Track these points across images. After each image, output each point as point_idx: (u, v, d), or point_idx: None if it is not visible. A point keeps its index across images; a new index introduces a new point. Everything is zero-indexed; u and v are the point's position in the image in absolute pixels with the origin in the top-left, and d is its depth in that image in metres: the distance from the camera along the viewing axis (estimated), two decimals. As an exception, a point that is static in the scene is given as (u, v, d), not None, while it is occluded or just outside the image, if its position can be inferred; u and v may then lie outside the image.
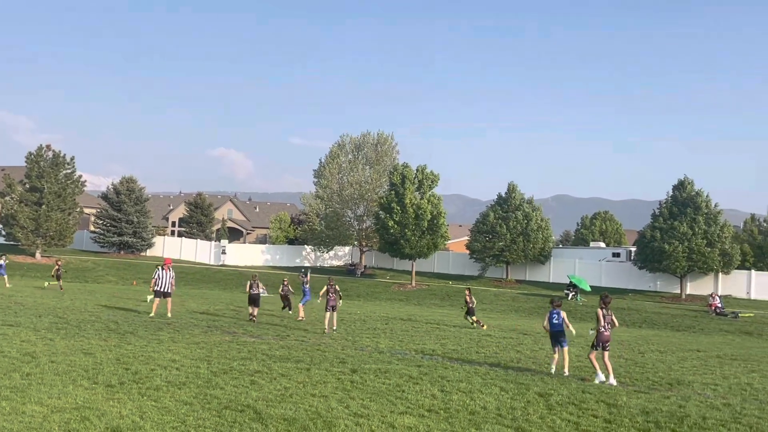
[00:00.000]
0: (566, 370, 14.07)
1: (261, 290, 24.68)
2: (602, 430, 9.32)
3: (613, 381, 13.29)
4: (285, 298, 27.72)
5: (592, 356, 13.73)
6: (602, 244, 68.98)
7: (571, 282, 46.76)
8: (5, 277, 34.93)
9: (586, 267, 54.86)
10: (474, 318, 26.31)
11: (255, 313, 23.45)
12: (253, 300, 23.81)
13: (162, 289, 22.72)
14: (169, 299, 22.96)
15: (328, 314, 20.85)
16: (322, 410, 9.52)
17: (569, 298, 45.06)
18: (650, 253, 48.78)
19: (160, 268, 23.23)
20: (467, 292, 27.19)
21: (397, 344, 18.10)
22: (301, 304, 25.37)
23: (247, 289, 24.46)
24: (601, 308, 13.92)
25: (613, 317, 13.96)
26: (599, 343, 13.71)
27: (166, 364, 12.50)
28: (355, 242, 66.27)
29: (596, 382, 13.33)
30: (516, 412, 10.10)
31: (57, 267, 34.96)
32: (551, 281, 55.32)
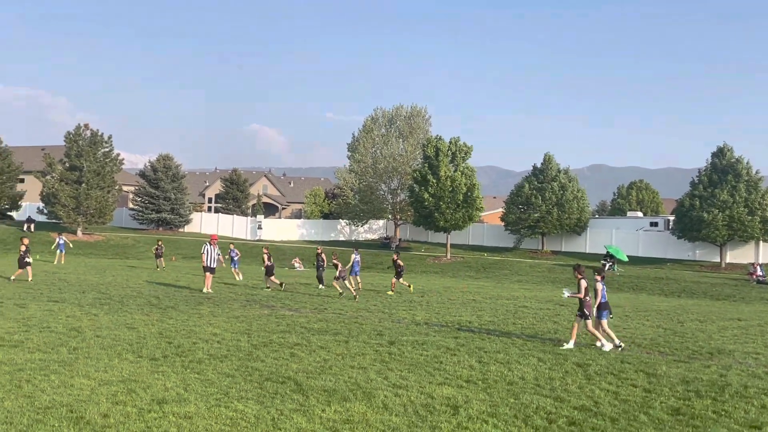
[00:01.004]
0: (601, 342, 13.87)
1: (296, 264, 25.04)
2: (642, 399, 9.29)
3: (607, 346, 13.38)
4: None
5: (590, 327, 13.65)
6: (639, 214, 68.08)
7: (608, 252, 46.33)
8: (63, 254, 36.37)
9: (623, 237, 54.28)
10: (402, 281, 26.70)
11: (275, 283, 24.69)
12: (269, 271, 25.22)
13: (210, 265, 23.17)
14: (212, 276, 23.37)
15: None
16: (361, 381, 9.64)
17: (606, 268, 44.66)
18: (689, 222, 48.04)
19: (208, 243, 23.64)
20: (395, 257, 27.43)
21: (434, 316, 18.18)
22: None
23: (267, 261, 25.48)
24: (581, 278, 13.83)
25: (598, 286, 13.96)
26: (591, 312, 13.74)
27: (207, 338, 12.75)
28: (390, 216, 66.33)
29: (606, 349, 13.26)
30: (554, 383, 10.12)
31: (157, 246, 36.92)
32: (587, 252, 54.87)
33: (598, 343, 13.46)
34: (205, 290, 22.59)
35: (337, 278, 23.58)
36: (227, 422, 7.44)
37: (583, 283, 13.67)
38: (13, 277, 23.37)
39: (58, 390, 8.46)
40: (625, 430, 7.74)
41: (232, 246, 32.93)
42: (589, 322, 13.60)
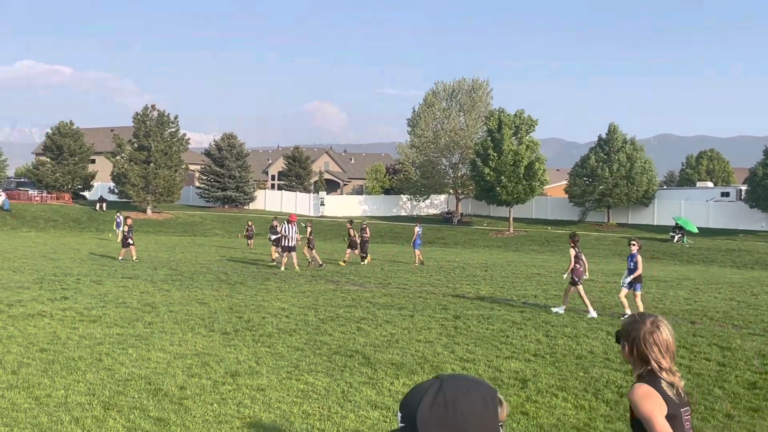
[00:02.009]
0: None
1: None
2: (716, 373, 9.08)
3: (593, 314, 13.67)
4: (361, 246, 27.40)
5: (581, 291, 13.90)
6: (710, 184, 65.96)
7: (677, 224, 45.16)
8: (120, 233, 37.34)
9: (693, 208, 52.74)
10: (357, 252, 26.79)
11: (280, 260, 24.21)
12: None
13: (288, 244, 23.29)
14: (294, 253, 23.38)
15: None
16: (428, 355, 9.70)
17: (675, 240, 43.61)
18: (762, 192, 46.38)
19: (286, 222, 23.80)
20: (348, 225, 27.79)
21: (498, 291, 18.10)
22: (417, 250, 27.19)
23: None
24: (572, 247, 14.26)
25: (582, 255, 14.50)
26: (578, 279, 14.01)
27: (275, 312, 13.01)
28: (451, 190, 66.01)
29: (590, 317, 13.49)
30: (624, 357, 9.96)
31: (248, 227, 37.63)
32: (655, 224, 53.56)
33: (627, 310, 13.33)
34: (282, 268, 22.67)
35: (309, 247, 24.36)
36: (299, 394, 7.61)
37: (572, 252, 14.19)
38: (120, 257, 24.14)
39: (136, 363, 8.78)
40: (699, 404, 7.59)
41: (274, 222, 32.63)
42: (623, 290, 13.81)
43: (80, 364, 8.61)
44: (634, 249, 13.72)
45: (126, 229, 24.42)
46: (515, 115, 53.96)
